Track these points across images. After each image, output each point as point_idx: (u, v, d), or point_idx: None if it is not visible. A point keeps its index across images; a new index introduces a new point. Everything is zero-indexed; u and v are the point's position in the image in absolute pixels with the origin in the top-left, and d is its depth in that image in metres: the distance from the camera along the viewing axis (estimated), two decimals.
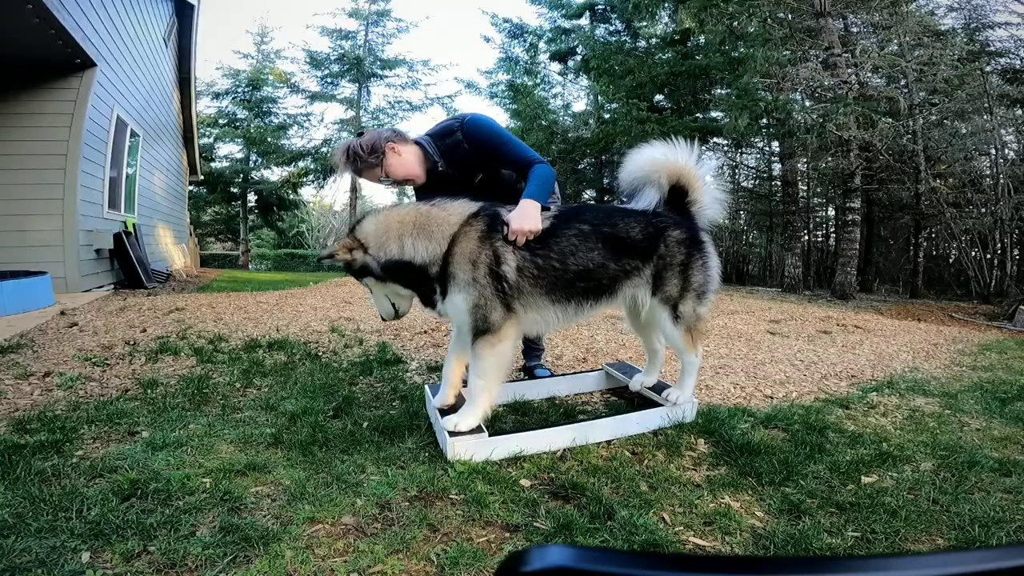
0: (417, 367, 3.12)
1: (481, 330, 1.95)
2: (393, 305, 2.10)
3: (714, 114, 12.02)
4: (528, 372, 2.87)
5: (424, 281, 1.98)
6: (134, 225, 7.59)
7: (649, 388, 2.50)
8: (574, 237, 2.01)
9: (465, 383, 2.18)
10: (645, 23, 12.22)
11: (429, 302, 2.04)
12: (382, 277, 1.99)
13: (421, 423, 2.19)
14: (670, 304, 2.10)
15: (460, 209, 1.99)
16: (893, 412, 2.57)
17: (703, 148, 13.52)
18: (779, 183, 12.22)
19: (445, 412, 2.08)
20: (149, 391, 2.53)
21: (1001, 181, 9.33)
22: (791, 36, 9.03)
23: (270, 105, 18.58)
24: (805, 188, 13.47)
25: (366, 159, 2.17)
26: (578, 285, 2.01)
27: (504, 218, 1.98)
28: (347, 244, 2.00)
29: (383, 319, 2.15)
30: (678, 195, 2.16)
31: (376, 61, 15.19)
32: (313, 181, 16.94)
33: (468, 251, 1.92)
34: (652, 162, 2.15)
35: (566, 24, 13.98)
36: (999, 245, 9.46)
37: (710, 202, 2.20)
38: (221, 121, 18.76)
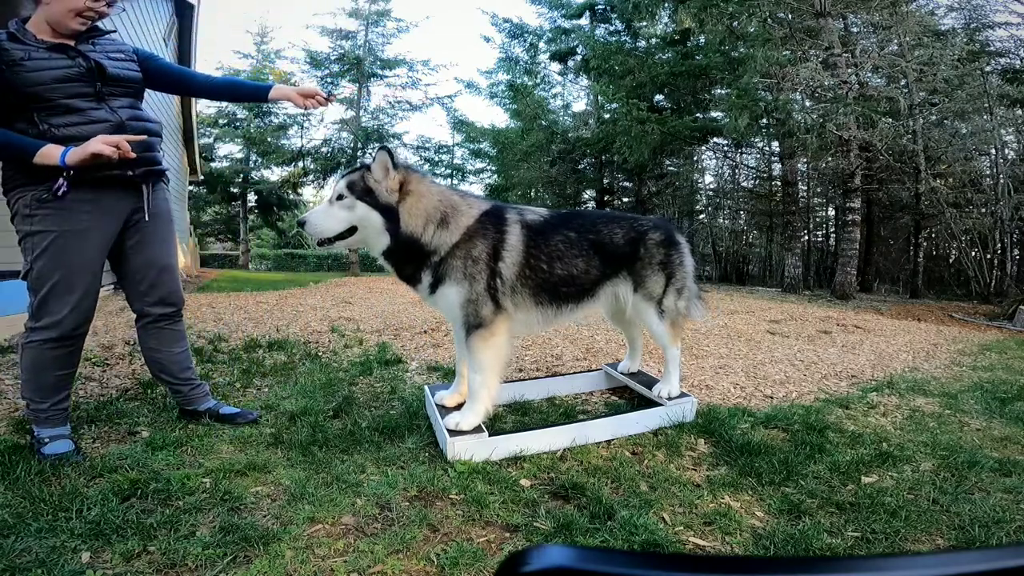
0: (417, 367, 3.12)
1: (473, 324, 1.96)
2: (341, 235, 1.92)
3: (714, 114, 12.01)
4: None
5: (421, 261, 1.95)
6: None
7: (631, 374, 2.64)
8: (561, 243, 2.06)
9: None
10: (645, 23, 12.19)
11: (409, 278, 1.99)
12: (384, 232, 1.87)
13: (421, 423, 2.19)
14: (654, 300, 2.23)
15: (479, 204, 2.02)
16: (893, 412, 2.57)
17: (702, 148, 13.58)
18: (779, 183, 12.23)
19: (447, 411, 2.08)
20: (149, 391, 2.53)
21: (1001, 181, 9.33)
22: (791, 36, 9.02)
23: (270, 105, 18.58)
24: (805, 188, 13.49)
25: None
26: (561, 290, 2.06)
27: (510, 216, 2.02)
28: (400, 181, 1.85)
29: (313, 235, 1.93)
30: None
31: (376, 61, 15.16)
32: (313, 181, 16.92)
33: (475, 247, 1.94)
34: None
35: (566, 24, 13.96)
36: (999, 245, 9.46)
37: None
38: (221, 121, 18.75)
